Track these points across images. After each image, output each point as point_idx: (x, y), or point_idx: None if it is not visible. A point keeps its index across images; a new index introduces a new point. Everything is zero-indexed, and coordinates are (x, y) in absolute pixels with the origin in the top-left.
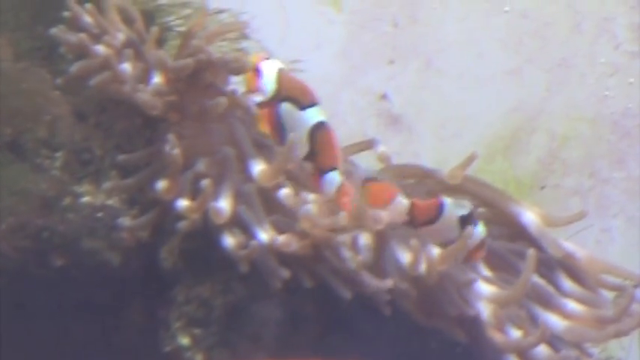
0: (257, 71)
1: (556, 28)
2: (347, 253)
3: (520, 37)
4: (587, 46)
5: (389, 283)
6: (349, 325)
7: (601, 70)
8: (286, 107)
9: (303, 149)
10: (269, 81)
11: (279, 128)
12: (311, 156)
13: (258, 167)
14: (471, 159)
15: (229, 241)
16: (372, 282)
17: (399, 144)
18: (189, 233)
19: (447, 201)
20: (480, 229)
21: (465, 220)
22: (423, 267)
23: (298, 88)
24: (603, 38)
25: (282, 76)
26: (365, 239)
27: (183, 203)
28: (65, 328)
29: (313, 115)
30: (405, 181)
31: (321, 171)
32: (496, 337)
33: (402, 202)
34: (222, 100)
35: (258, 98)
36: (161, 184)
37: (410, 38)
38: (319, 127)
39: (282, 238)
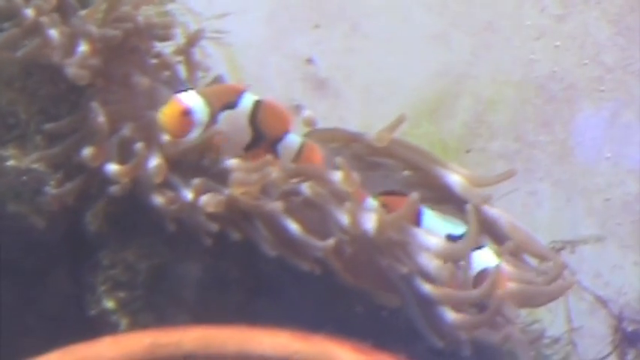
0: (187, 113)
1: None
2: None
3: (445, 1)
4: (513, 10)
5: (331, 242)
6: (274, 289)
7: (527, 34)
8: (224, 116)
9: (244, 138)
10: (200, 109)
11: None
12: (258, 141)
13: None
14: (399, 121)
15: (159, 199)
16: (314, 243)
17: (326, 108)
18: (115, 197)
19: (426, 209)
20: (484, 258)
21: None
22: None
23: (223, 91)
24: (529, 1)
25: (206, 95)
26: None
27: (113, 167)
28: None
29: (246, 102)
30: (331, 145)
31: (274, 142)
32: (433, 290)
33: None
34: (144, 81)
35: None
36: (87, 151)
37: (336, 2)
38: (257, 107)
39: (205, 198)
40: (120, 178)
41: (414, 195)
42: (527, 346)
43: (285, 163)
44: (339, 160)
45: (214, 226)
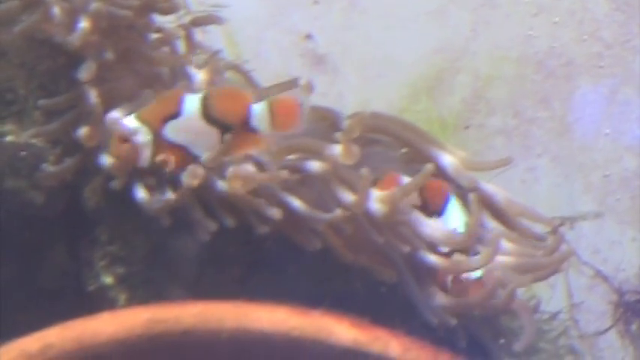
0: (126, 139)
1: None
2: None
3: None
4: None
5: (339, 213)
6: (273, 265)
7: (525, 10)
8: (171, 127)
9: (212, 137)
10: (139, 131)
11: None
12: (229, 131)
13: None
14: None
15: (141, 194)
16: (319, 216)
17: (324, 84)
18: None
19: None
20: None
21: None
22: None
23: (161, 104)
24: None
25: (143, 114)
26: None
27: (106, 160)
28: None
29: (190, 105)
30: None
31: (245, 123)
32: (438, 260)
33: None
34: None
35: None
36: (83, 131)
37: None
38: (206, 103)
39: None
40: (115, 172)
41: (429, 166)
42: (532, 314)
43: (280, 142)
44: (340, 134)
45: (213, 225)
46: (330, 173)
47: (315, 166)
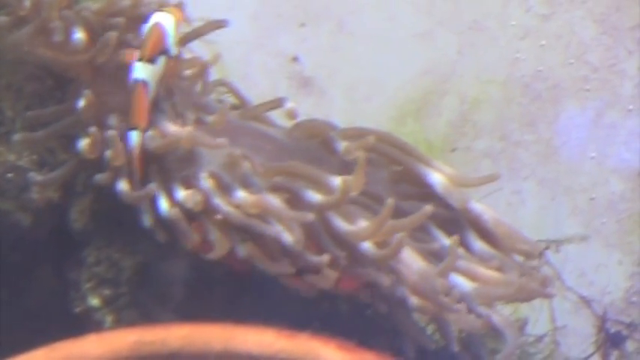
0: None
1: None
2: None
3: (431, 0)
4: (499, 9)
5: (325, 258)
6: (260, 287)
7: (512, 33)
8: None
9: None
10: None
11: None
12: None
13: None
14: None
15: (123, 186)
16: (310, 258)
17: (310, 106)
18: (100, 194)
19: None
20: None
21: None
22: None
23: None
24: (514, 0)
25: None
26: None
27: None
28: None
29: (135, 71)
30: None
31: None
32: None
33: None
34: None
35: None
36: (83, 143)
37: (321, 0)
38: (134, 84)
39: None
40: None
41: (427, 208)
42: (514, 328)
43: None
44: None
45: (196, 237)
46: (332, 205)
47: (315, 197)
